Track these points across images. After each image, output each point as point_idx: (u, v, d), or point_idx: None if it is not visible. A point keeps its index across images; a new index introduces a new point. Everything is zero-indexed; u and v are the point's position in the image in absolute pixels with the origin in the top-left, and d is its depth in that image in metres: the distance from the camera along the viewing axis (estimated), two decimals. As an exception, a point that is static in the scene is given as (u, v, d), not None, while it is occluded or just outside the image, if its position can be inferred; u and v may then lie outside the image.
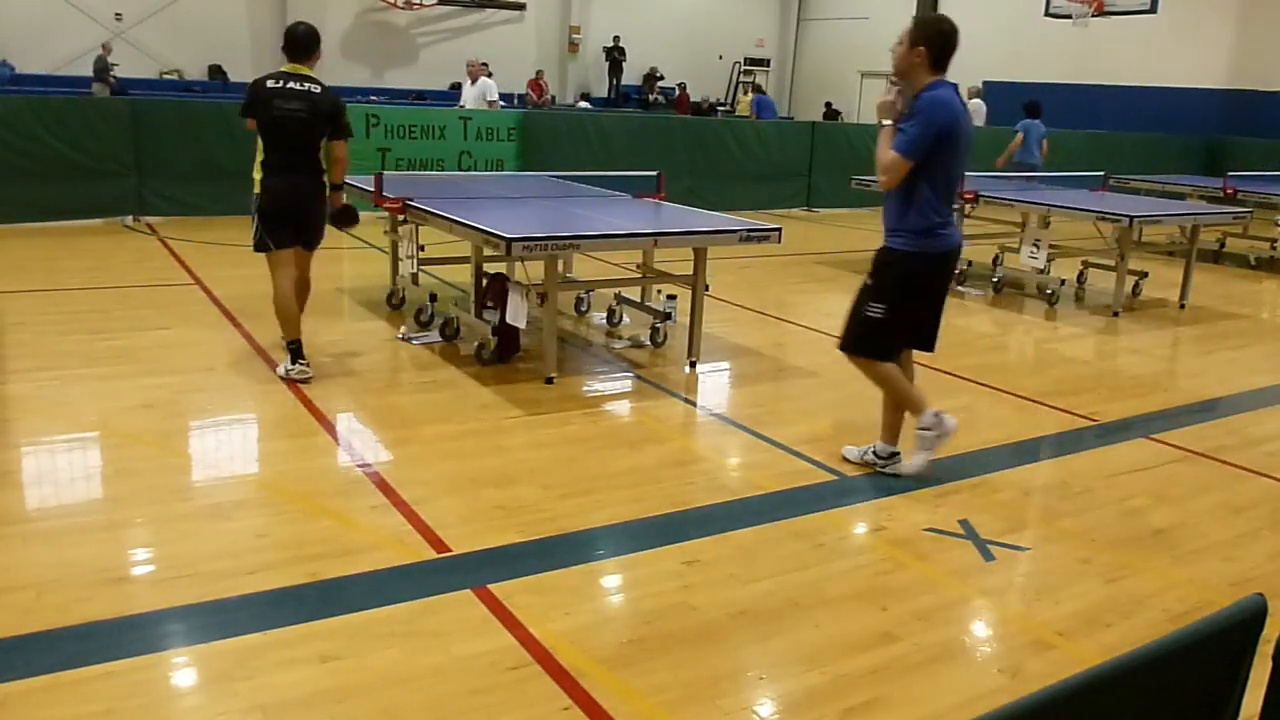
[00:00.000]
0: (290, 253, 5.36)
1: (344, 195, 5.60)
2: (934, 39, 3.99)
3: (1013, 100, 20.79)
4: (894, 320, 4.23)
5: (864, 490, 4.30)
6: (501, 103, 13.36)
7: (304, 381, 5.25)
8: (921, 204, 4.06)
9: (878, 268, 4.29)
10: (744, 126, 14.57)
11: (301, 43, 5.34)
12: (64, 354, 5.58)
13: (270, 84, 5.26)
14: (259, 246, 5.32)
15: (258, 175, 5.28)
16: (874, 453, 4.48)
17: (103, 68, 17.45)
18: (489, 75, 13.80)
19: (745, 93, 25.16)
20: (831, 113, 24.10)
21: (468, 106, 13.36)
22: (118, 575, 3.25)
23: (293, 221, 5.32)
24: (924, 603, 3.32)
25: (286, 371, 5.29)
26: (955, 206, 4.08)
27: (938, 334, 4.39)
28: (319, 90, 5.31)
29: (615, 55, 24.69)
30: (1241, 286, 10.05)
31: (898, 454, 4.44)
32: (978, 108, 17.86)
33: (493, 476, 4.18)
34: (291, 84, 5.27)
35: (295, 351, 5.31)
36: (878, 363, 4.32)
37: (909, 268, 4.17)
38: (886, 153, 4.02)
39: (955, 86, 4.10)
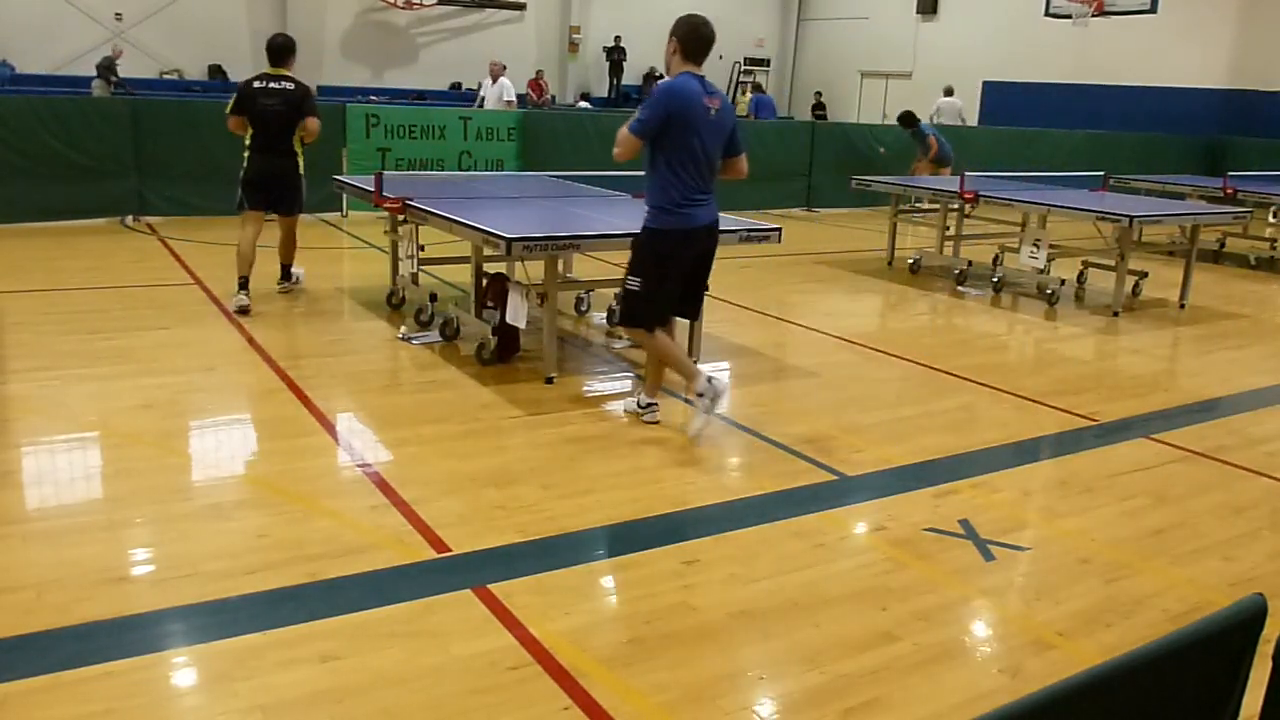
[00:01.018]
0: (257, 214, 6.79)
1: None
2: (684, 33, 4.46)
3: (1013, 100, 20.89)
4: (649, 292, 4.66)
5: (864, 490, 4.30)
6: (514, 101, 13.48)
7: (241, 311, 6.51)
8: (661, 184, 4.53)
9: (633, 244, 4.78)
10: (743, 126, 14.55)
11: (276, 51, 6.85)
12: (64, 354, 5.58)
13: (256, 85, 6.74)
14: (238, 207, 6.83)
15: (245, 153, 6.76)
16: (637, 404, 4.95)
17: (106, 66, 17.43)
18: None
19: (744, 93, 25.10)
20: (819, 104, 23.91)
21: (488, 106, 13.40)
22: (118, 575, 3.26)
23: (265, 190, 6.78)
24: (924, 603, 3.32)
25: (233, 298, 6.63)
26: (705, 189, 4.62)
27: (701, 306, 5.04)
28: (293, 87, 6.76)
29: (616, 56, 24.65)
30: (1241, 286, 10.05)
31: (655, 405, 4.92)
32: (952, 106, 17.91)
33: (493, 476, 4.18)
34: (272, 84, 6.74)
35: (242, 284, 6.63)
36: (648, 333, 4.75)
37: (652, 243, 4.62)
38: (621, 130, 4.50)
39: (702, 79, 4.50)
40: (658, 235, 4.61)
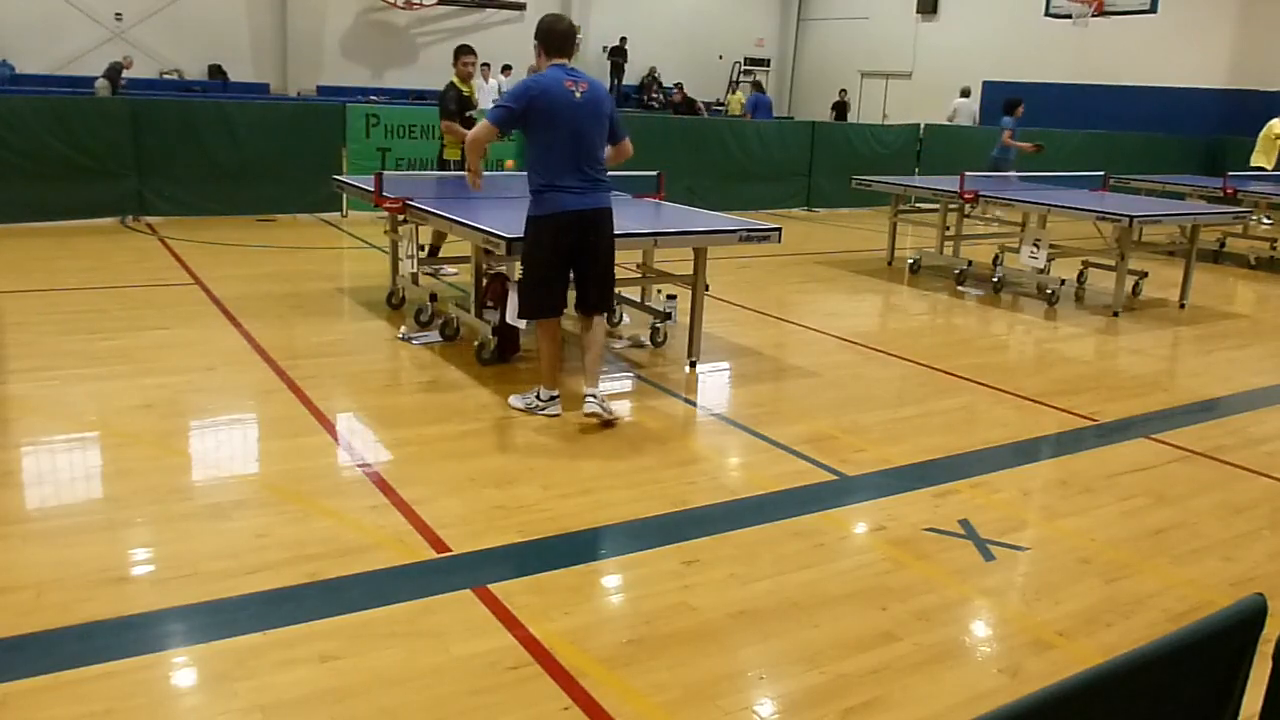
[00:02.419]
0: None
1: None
2: (542, 33, 4.73)
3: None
4: (534, 280, 4.77)
5: (864, 490, 4.30)
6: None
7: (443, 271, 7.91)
8: (531, 171, 4.68)
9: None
10: (744, 126, 14.57)
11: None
12: (64, 354, 5.57)
13: None
14: None
15: None
16: (536, 397, 4.91)
17: (116, 71, 17.42)
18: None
19: (733, 91, 24.98)
20: (841, 104, 23.44)
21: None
22: (118, 575, 3.25)
23: None
24: (924, 602, 3.32)
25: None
26: (584, 175, 4.66)
27: (601, 297, 4.92)
28: (441, 89, 8.19)
29: (617, 57, 24.53)
30: (1241, 286, 10.05)
31: (556, 396, 4.93)
32: (968, 108, 17.87)
33: (493, 476, 4.18)
34: None
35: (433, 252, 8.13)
36: (540, 323, 4.88)
37: (530, 229, 4.72)
38: (481, 120, 4.80)
39: (565, 67, 4.68)
40: (529, 223, 4.71)
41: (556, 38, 4.72)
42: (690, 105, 23.97)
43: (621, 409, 5.27)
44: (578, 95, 4.62)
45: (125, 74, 17.88)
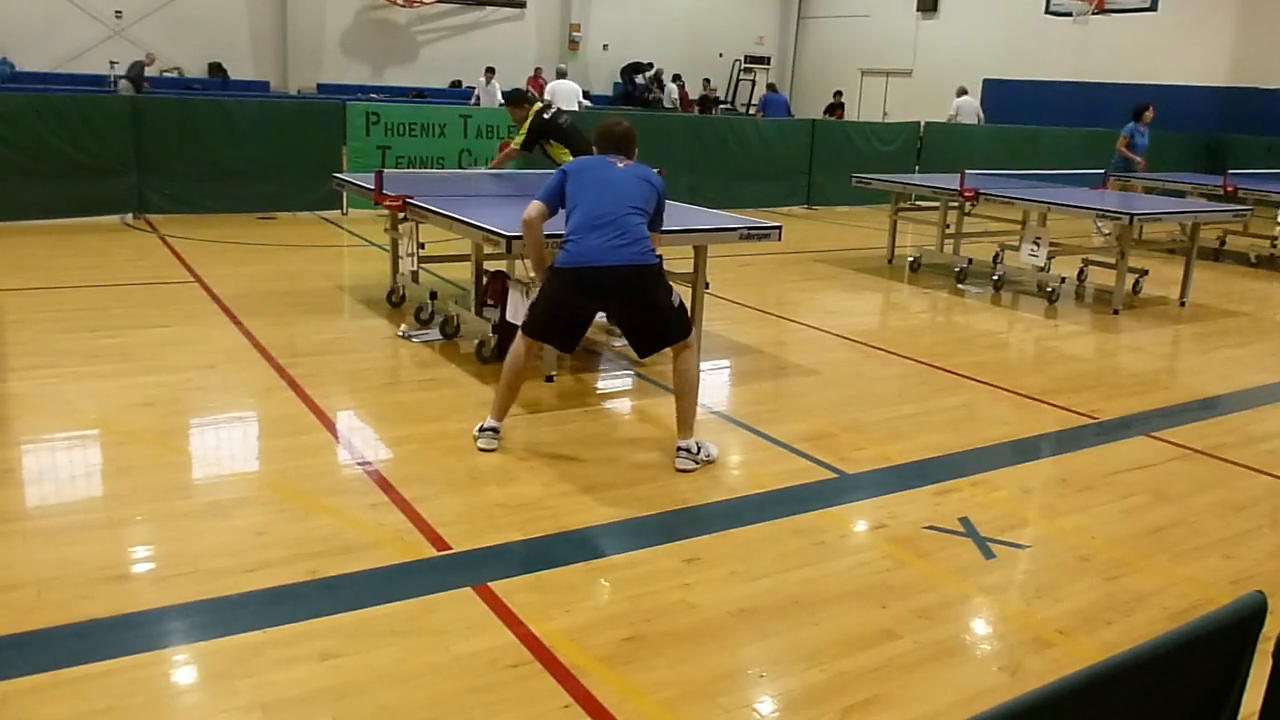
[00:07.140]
0: None
1: None
2: (596, 134, 4.76)
3: (1012, 98, 20.85)
4: (537, 309, 4.49)
5: (864, 488, 4.30)
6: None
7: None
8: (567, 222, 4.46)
9: None
10: (744, 125, 14.56)
11: None
12: (64, 352, 5.58)
13: None
14: None
15: None
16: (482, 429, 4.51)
17: (138, 73, 17.40)
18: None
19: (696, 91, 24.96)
20: (838, 104, 23.02)
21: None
22: (118, 573, 3.25)
23: None
24: (924, 600, 3.32)
25: None
26: (608, 235, 4.31)
27: (650, 345, 4.59)
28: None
29: (635, 75, 24.32)
30: (1242, 284, 10.05)
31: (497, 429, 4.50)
32: (969, 106, 17.85)
33: (493, 474, 4.18)
34: None
35: None
36: (519, 339, 4.50)
37: (546, 276, 4.50)
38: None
39: (604, 159, 4.59)
40: (550, 270, 4.44)
41: (609, 140, 4.68)
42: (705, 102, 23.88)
43: (622, 407, 5.28)
44: (620, 165, 4.54)
45: (145, 71, 17.89)
